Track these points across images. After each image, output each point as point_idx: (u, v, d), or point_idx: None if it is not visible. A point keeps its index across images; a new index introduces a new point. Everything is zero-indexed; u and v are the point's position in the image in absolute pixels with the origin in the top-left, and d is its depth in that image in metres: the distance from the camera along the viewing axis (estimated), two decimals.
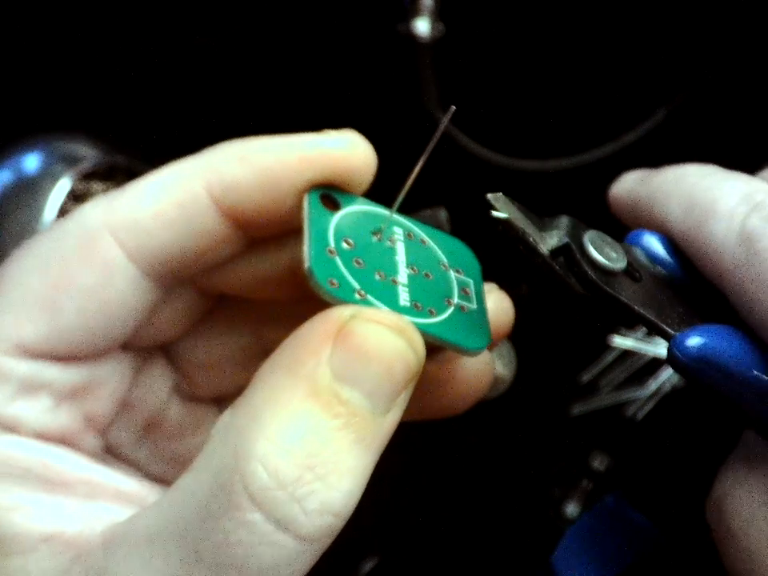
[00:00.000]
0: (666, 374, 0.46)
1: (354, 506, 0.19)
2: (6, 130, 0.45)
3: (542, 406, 0.46)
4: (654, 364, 0.46)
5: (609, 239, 0.22)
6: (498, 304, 0.24)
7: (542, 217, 0.22)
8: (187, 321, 0.24)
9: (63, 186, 0.43)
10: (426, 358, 0.19)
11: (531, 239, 0.21)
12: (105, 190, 0.44)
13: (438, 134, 0.21)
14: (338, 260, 0.20)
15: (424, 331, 0.20)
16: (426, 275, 0.22)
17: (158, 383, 0.24)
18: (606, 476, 0.44)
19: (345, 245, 0.21)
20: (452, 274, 0.22)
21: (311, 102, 0.47)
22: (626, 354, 0.46)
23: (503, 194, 0.21)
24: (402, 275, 0.21)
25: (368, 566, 0.43)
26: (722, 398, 0.20)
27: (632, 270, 0.22)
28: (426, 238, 0.23)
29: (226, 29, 0.47)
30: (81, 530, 0.19)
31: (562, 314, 0.46)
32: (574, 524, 0.41)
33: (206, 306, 0.24)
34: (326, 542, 0.18)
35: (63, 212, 0.43)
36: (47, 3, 0.46)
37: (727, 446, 0.47)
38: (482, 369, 0.24)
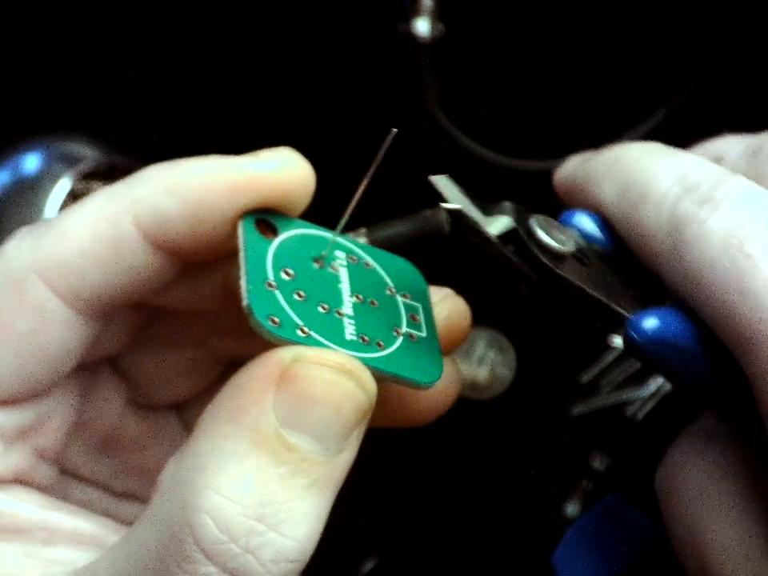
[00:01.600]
0: None
1: (313, 548, 0.18)
2: (6, 130, 0.44)
3: (542, 405, 0.46)
4: None
5: (555, 223, 0.21)
6: (454, 308, 0.23)
7: (485, 202, 0.22)
8: (126, 335, 0.23)
9: (63, 186, 0.43)
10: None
11: (482, 228, 0.20)
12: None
13: (378, 158, 0.20)
14: (277, 294, 0.19)
15: (373, 367, 0.19)
16: (372, 303, 0.21)
17: (111, 398, 0.24)
18: (606, 476, 0.44)
19: (284, 275, 0.20)
20: (399, 299, 0.22)
21: (311, 102, 0.47)
22: (627, 354, 0.46)
23: (448, 176, 0.21)
24: (347, 305, 0.20)
25: (368, 566, 0.43)
26: (676, 379, 0.20)
27: (580, 254, 0.21)
28: (370, 261, 0.22)
29: (226, 29, 0.47)
30: None
31: (562, 314, 0.46)
32: (574, 524, 0.41)
33: (143, 319, 0.23)
34: None
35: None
36: (47, 3, 0.46)
37: None
38: (446, 385, 0.23)
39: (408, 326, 0.21)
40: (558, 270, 0.20)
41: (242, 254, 0.19)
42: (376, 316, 0.21)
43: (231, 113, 0.46)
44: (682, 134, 0.46)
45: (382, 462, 0.46)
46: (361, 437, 0.19)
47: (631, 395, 0.45)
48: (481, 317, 0.47)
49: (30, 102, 0.46)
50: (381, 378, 0.19)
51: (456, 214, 0.20)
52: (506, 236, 0.21)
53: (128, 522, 0.23)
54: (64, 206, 0.43)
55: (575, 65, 0.47)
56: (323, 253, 0.21)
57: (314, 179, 0.21)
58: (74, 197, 0.43)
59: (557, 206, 0.47)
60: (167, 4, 0.47)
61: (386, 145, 0.20)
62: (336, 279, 0.21)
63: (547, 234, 0.21)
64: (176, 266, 0.21)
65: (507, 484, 0.45)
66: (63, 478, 0.23)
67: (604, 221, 0.22)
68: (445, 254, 0.47)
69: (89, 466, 0.24)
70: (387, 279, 0.22)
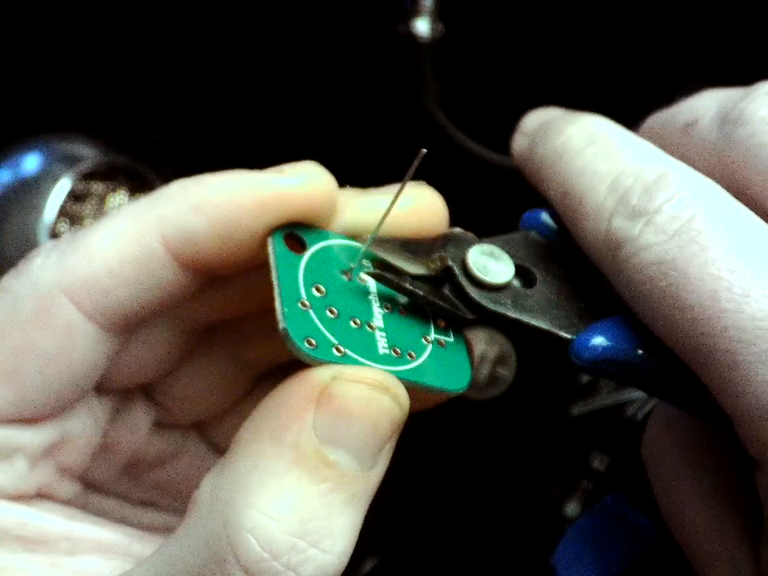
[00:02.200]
0: None
1: (348, 560, 0.18)
2: (6, 130, 0.44)
3: (542, 405, 0.46)
4: None
5: (496, 249, 0.21)
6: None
7: (423, 240, 0.22)
8: (169, 360, 0.23)
9: (63, 186, 0.43)
10: None
11: (407, 285, 0.20)
12: (105, 190, 0.44)
13: (409, 176, 0.20)
14: (311, 314, 0.19)
15: (406, 380, 0.19)
16: (401, 311, 0.21)
17: (139, 421, 0.24)
18: (606, 476, 0.44)
19: (316, 292, 0.20)
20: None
21: (311, 102, 0.47)
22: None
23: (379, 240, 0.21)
24: (378, 317, 0.21)
25: (368, 565, 0.43)
26: (627, 384, 0.21)
27: (523, 276, 0.22)
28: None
29: (226, 29, 0.47)
30: None
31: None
32: (574, 524, 0.41)
33: (187, 344, 0.23)
34: None
35: (63, 212, 0.43)
36: (47, 3, 0.46)
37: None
38: None
39: (436, 333, 0.21)
40: (491, 308, 0.21)
41: (274, 274, 0.20)
42: (406, 325, 0.21)
43: (231, 113, 0.46)
44: None
45: None
46: (393, 449, 0.19)
47: (631, 395, 0.45)
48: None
49: (30, 102, 0.46)
50: (413, 388, 0.20)
51: (378, 278, 0.21)
52: (441, 277, 0.21)
53: (146, 528, 0.23)
54: (64, 206, 0.43)
55: (575, 64, 0.47)
56: (352, 265, 0.21)
57: (337, 190, 0.21)
58: (74, 197, 0.43)
59: None
60: (167, 4, 0.47)
61: (415, 164, 0.20)
62: (365, 290, 0.21)
63: (482, 269, 0.21)
64: (202, 282, 0.21)
65: (507, 484, 0.45)
66: (85, 491, 0.23)
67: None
68: None
69: (111, 483, 0.24)
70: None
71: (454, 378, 0.21)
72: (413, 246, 0.22)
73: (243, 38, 0.47)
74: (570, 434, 0.45)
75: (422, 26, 0.45)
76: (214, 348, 0.24)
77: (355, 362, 0.19)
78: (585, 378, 0.46)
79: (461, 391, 0.21)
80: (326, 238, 0.22)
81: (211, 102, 0.47)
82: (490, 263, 0.21)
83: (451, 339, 0.21)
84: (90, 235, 0.20)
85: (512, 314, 0.21)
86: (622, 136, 0.22)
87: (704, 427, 0.22)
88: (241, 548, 0.17)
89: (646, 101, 0.47)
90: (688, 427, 0.22)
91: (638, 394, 0.45)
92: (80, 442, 0.22)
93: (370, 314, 0.21)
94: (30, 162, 0.43)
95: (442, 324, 0.22)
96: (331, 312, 0.20)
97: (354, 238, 0.22)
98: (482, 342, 0.46)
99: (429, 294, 0.21)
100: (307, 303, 0.20)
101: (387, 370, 0.19)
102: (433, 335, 0.21)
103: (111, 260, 0.20)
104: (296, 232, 0.21)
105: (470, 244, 0.22)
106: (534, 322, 0.21)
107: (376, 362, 0.19)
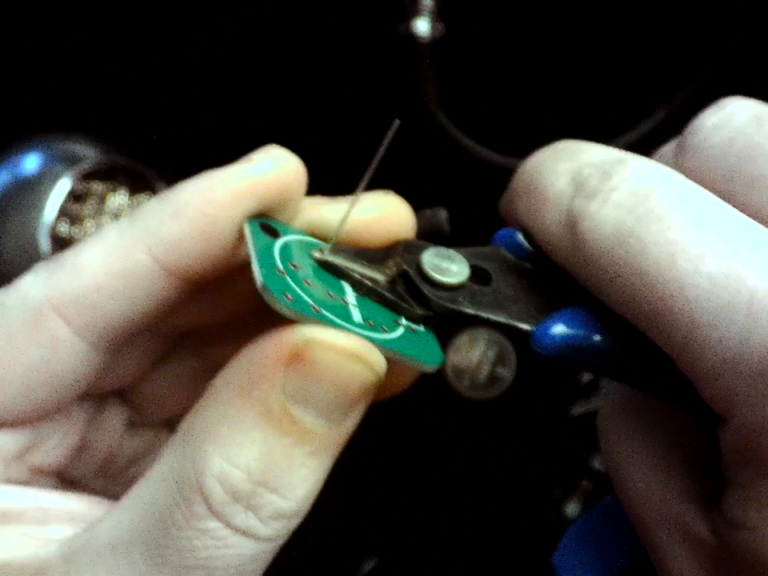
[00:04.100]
0: None
1: (311, 503, 0.19)
2: (6, 130, 0.45)
3: (542, 405, 0.46)
4: None
5: (450, 252, 0.22)
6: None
7: (378, 249, 0.22)
8: (145, 365, 0.24)
9: (63, 186, 0.43)
10: None
11: (355, 274, 0.21)
12: (105, 190, 0.44)
13: (383, 148, 0.21)
14: (288, 279, 0.20)
15: (382, 346, 0.19)
16: (373, 299, 0.21)
17: (113, 422, 0.25)
18: (606, 476, 0.44)
19: (291, 267, 0.20)
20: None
21: (311, 102, 0.47)
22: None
23: (333, 248, 0.21)
24: (351, 296, 0.21)
25: (368, 565, 0.43)
26: (593, 371, 0.21)
27: (479, 276, 0.22)
28: None
29: (226, 29, 0.47)
30: (35, 552, 0.19)
31: None
32: (574, 524, 0.41)
33: (163, 348, 0.24)
34: (288, 535, 0.20)
35: (63, 212, 0.43)
36: (47, 3, 0.46)
37: None
38: None
39: (407, 321, 0.22)
40: (446, 304, 0.21)
41: (251, 246, 0.20)
42: (377, 308, 0.21)
43: (231, 112, 0.46)
44: None
45: (383, 462, 0.46)
46: (365, 407, 0.20)
47: None
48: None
49: (30, 102, 0.46)
50: (389, 357, 0.20)
51: (336, 271, 0.21)
52: (396, 279, 0.22)
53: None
54: (64, 205, 0.43)
55: (575, 64, 0.47)
56: (321, 251, 0.22)
57: (305, 171, 0.22)
58: (74, 197, 0.43)
59: None
60: (167, 4, 0.47)
61: (388, 137, 0.20)
62: (338, 277, 0.22)
63: (435, 269, 0.21)
64: (188, 289, 0.22)
65: (507, 484, 0.45)
66: (60, 487, 0.24)
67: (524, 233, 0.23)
68: None
69: (86, 480, 0.24)
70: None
71: (428, 353, 0.21)
72: (369, 253, 0.22)
73: (243, 38, 0.47)
74: (570, 434, 0.45)
75: (422, 26, 0.45)
76: (186, 350, 0.25)
77: (332, 323, 0.19)
78: (585, 378, 0.46)
79: (435, 367, 0.21)
80: (298, 233, 0.22)
81: (211, 102, 0.47)
82: (445, 264, 0.22)
83: (422, 329, 0.22)
84: (78, 253, 0.21)
85: (470, 310, 0.21)
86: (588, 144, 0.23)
87: (658, 402, 0.22)
88: (207, 492, 0.18)
89: (645, 101, 0.47)
90: (640, 403, 0.22)
91: None
92: (56, 445, 0.23)
93: (344, 292, 0.21)
94: (30, 162, 0.43)
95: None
96: (307, 283, 0.20)
97: (321, 239, 0.23)
98: (482, 342, 0.46)
99: (377, 286, 0.21)
100: (283, 270, 0.20)
101: (362, 335, 0.19)
102: (404, 322, 0.21)
103: (98, 275, 0.21)
104: (268, 222, 0.22)
105: (424, 248, 0.22)
106: (492, 316, 0.21)
107: (352, 326, 0.20)
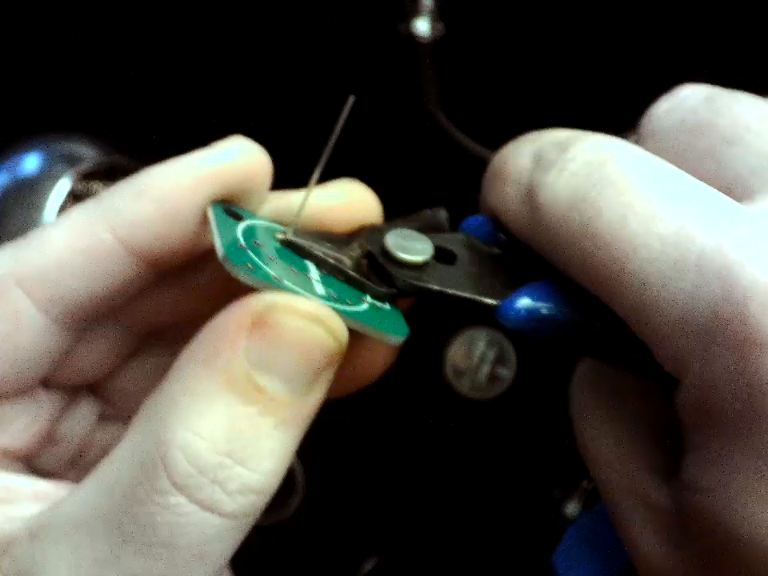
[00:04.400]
0: None
1: (279, 480, 0.19)
2: (6, 130, 0.44)
3: (542, 406, 0.46)
4: None
5: (414, 233, 0.22)
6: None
7: (342, 234, 0.23)
8: (116, 359, 0.24)
9: (63, 185, 0.43)
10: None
11: (330, 260, 0.21)
12: (105, 190, 0.44)
13: (339, 126, 0.21)
14: (250, 252, 0.20)
15: (345, 315, 0.19)
16: (337, 278, 0.22)
17: (85, 415, 0.25)
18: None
19: (255, 245, 0.21)
20: (363, 279, 0.22)
21: (311, 102, 0.47)
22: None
23: (295, 232, 0.21)
24: (314, 273, 0.21)
25: (368, 566, 0.43)
26: (559, 344, 0.21)
27: (444, 256, 0.22)
28: None
29: (226, 29, 0.47)
30: (0, 527, 0.19)
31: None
32: (575, 524, 0.41)
33: (134, 344, 0.24)
34: (254, 515, 0.19)
35: (63, 212, 0.43)
36: (47, 3, 0.46)
37: None
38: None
39: (372, 299, 0.22)
40: (412, 281, 0.21)
41: (213, 224, 0.20)
42: (342, 285, 0.21)
43: (231, 112, 0.46)
44: None
45: (382, 462, 0.46)
46: (330, 379, 0.20)
47: None
48: (481, 317, 0.47)
49: (30, 102, 0.46)
50: (352, 328, 0.20)
51: (302, 252, 0.21)
52: (362, 259, 0.22)
53: None
54: (64, 206, 0.43)
55: (575, 64, 0.47)
56: (284, 232, 0.22)
57: (270, 162, 0.22)
58: (74, 197, 0.43)
59: None
60: (167, 4, 0.47)
61: (345, 113, 0.21)
62: (301, 258, 0.22)
63: (400, 248, 0.22)
64: (152, 276, 0.22)
65: (507, 484, 0.45)
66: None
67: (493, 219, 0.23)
68: None
69: (58, 472, 0.24)
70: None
71: (393, 327, 0.21)
72: (333, 237, 0.22)
73: (243, 39, 0.47)
74: (570, 434, 0.45)
75: (422, 26, 0.45)
76: (159, 346, 0.25)
77: (293, 290, 0.19)
78: None
79: (400, 339, 0.21)
80: (261, 219, 0.22)
81: (211, 102, 0.47)
82: (409, 243, 0.22)
83: (387, 308, 0.22)
84: (44, 231, 0.21)
85: (435, 286, 0.21)
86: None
87: (623, 375, 0.23)
88: (171, 464, 0.18)
89: (645, 100, 0.47)
90: (606, 375, 0.23)
91: None
92: (23, 429, 0.23)
93: (308, 269, 0.21)
94: (30, 162, 0.43)
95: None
96: (270, 259, 0.20)
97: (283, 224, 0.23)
98: (482, 342, 0.46)
99: (341, 264, 0.21)
100: (245, 246, 0.20)
101: (325, 304, 0.19)
102: (369, 299, 0.21)
103: (62, 251, 0.21)
104: (232, 208, 0.22)
105: (389, 230, 0.22)
106: (458, 292, 0.21)
107: (314, 296, 0.20)
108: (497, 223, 0.23)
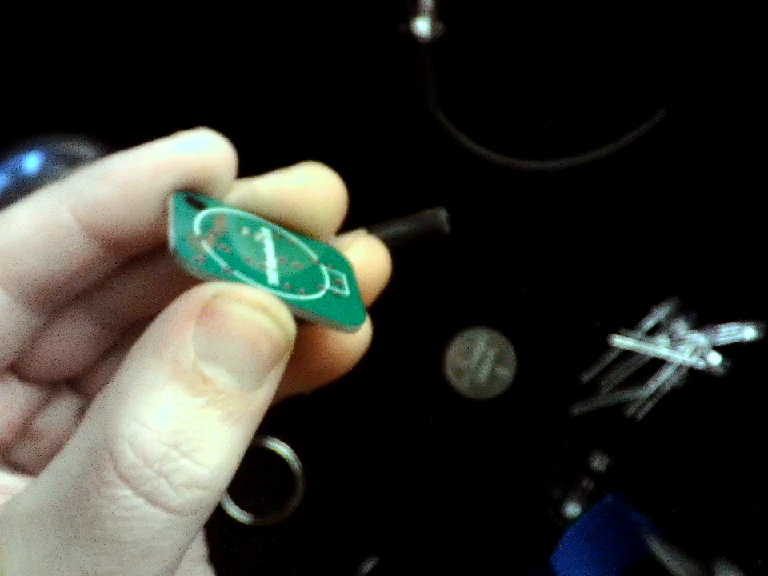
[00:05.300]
0: (666, 374, 0.46)
1: (228, 479, 0.19)
2: (6, 130, 0.45)
3: (542, 405, 0.46)
4: (654, 364, 0.46)
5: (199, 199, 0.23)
6: (369, 253, 0.24)
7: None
8: (93, 354, 0.24)
9: None
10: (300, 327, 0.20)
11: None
12: None
13: None
14: (203, 243, 0.20)
15: (294, 305, 0.19)
16: (296, 266, 0.22)
17: (64, 411, 0.25)
18: (606, 476, 0.44)
19: (211, 234, 0.21)
20: (323, 267, 0.22)
21: (311, 103, 0.47)
22: (626, 353, 0.46)
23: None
24: (271, 261, 0.21)
25: (368, 566, 0.43)
26: None
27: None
28: (295, 241, 0.23)
29: (226, 29, 0.47)
30: None
31: (561, 313, 0.46)
32: (574, 524, 0.41)
33: (112, 339, 0.24)
34: (202, 514, 0.19)
35: None
36: (47, 3, 0.46)
37: (725, 445, 0.47)
38: (360, 334, 0.23)
39: (331, 285, 0.22)
40: None
41: (170, 214, 0.21)
42: (299, 273, 0.21)
43: (231, 113, 0.46)
44: (682, 134, 0.46)
45: (383, 461, 0.46)
46: (279, 376, 0.19)
47: (631, 395, 0.46)
48: (481, 317, 0.47)
49: (30, 102, 0.46)
50: (302, 317, 0.20)
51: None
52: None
53: None
54: None
55: (575, 65, 0.47)
56: (250, 225, 0.22)
57: (234, 156, 0.22)
58: None
59: (556, 205, 0.47)
60: (167, 4, 0.47)
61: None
62: (261, 245, 0.22)
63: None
64: (114, 258, 0.22)
65: (507, 484, 0.45)
66: (9, 473, 0.24)
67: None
68: (445, 253, 0.47)
69: (37, 467, 0.24)
70: (311, 253, 0.23)
71: (347, 315, 0.21)
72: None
73: (244, 39, 0.47)
74: (570, 434, 0.45)
75: (422, 26, 0.45)
76: (130, 342, 0.25)
77: (241, 281, 0.19)
78: (585, 378, 0.46)
79: (355, 328, 0.21)
80: (226, 207, 0.22)
81: (211, 102, 0.47)
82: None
83: (347, 293, 0.22)
84: (8, 211, 0.22)
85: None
86: None
87: None
88: (116, 455, 0.18)
89: (645, 100, 0.47)
90: None
91: (637, 393, 0.45)
92: None
93: (264, 258, 0.21)
94: (30, 162, 0.43)
95: (338, 282, 0.22)
96: (224, 248, 0.20)
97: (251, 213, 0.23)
98: (482, 342, 0.46)
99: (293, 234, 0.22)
100: (199, 236, 0.20)
101: (273, 294, 0.19)
102: (328, 286, 0.21)
103: (22, 229, 0.21)
104: (196, 197, 0.22)
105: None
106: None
107: (264, 287, 0.20)
108: None
